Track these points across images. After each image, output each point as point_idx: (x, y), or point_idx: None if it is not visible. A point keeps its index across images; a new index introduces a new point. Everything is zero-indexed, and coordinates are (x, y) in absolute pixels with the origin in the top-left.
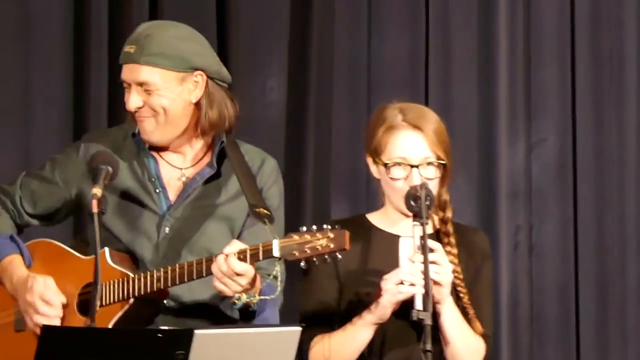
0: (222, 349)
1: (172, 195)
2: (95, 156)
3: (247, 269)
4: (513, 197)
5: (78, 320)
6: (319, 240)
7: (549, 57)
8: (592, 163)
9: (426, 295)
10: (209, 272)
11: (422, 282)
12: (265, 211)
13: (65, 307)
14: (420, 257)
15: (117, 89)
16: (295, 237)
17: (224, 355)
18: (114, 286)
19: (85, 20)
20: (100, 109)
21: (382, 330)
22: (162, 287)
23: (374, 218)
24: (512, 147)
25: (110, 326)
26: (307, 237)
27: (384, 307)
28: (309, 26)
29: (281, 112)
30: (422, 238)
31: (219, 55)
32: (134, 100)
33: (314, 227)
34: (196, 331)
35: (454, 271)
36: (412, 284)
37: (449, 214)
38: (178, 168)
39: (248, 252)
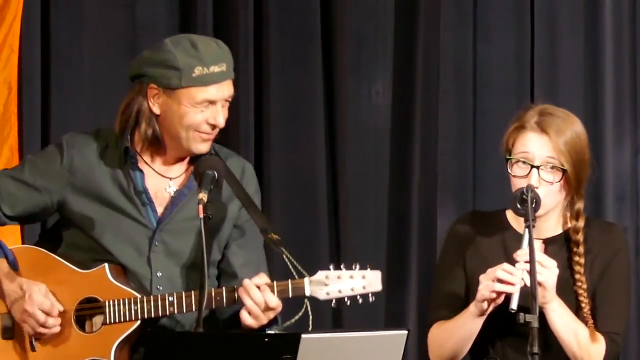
0: (328, 352)
1: (160, 208)
2: (201, 161)
3: (279, 304)
4: (620, 200)
5: (76, 335)
6: (352, 280)
7: None
8: None
9: (533, 299)
10: (230, 303)
11: (519, 282)
12: (276, 236)
13: (61, 318)
14: (524, 257)
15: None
16: (327, 275)
17: (331, 359)
18: (120, 305)
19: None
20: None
21: (506, 328)
22: (174, 312)
23: (511, 216)
24: (618, 149)
25: (114, 347)
26: (339, 276)
27: (479, 302)
28: (414, 30)
29: (387, 115)
30: (529, 240)
31: (324, 61)
32: (223, 117)
33: (342, 266)
34: (303, 335)
35: (578, 280)
36: (508, 283)
37: (580, 223)
38: (167, 177)
39: (275, 287)
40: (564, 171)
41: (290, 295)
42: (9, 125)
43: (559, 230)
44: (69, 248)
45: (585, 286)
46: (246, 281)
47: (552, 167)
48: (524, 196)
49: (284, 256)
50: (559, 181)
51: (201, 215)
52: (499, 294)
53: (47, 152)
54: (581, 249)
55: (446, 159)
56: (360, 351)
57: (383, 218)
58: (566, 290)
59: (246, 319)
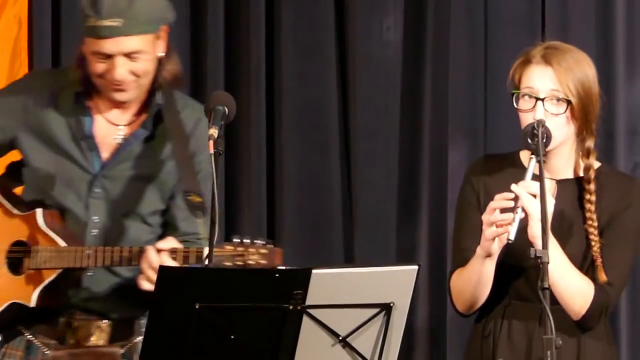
0: (339, 288)
1: (105, 154)
2: (212, 97)
3: None
4: (631, 135)
5: (3, 276)
6: (252, 255)
7: None
8: None
9: (544, 233)
10: (128, 263)
11: (518, 210)
12: (198, 199)
13: None
14: (524, 187)
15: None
16: (228, 247)
17: (342, 294)
18: (44, 252)
19: None
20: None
21: (519, 269)
22: (89, 266)
23: (525, 157)
24: (630, 85)
25: (35, 293)
26: (240, 249)
27: (486, 240)
28: None
29: (398, 51)
30: (540, 175)
31: None
32: (122, 71)
33: (248, 240)
34: (314, 271)
35: (589, 219)
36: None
37: (591, 160)
38: (115, 125)
39: (181, 253)
40: (568, 102)
41: (192, 261)
42: (19, 60)
43: (570, 170)
44: (25, 185)
45: (596, 224)
46: (149, 246)
47: (557, 99)
48: (535, 131)
49: (199, 221)
50: (564, 113)
51: (211, 151)
52: (501, 226)
53: (8, 88)
54: (592, 187)
55: (457, 94)
56: (371, 286)
57: (394, 154)
58: (576, 228)
59: (141, 283)
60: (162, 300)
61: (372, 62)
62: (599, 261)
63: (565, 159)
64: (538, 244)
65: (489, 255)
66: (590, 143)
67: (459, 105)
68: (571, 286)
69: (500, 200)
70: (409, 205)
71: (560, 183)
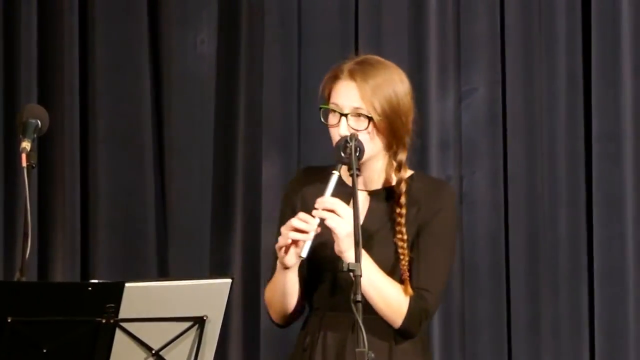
0: (152, 301)
1: None
2: (25, 110)
3: None
4: (443, 148)
5: None
6: None
7: (479, 6)
8: (522, 113)
9: (356, 246)
10: None
11: (314, 229)
12: None
13: None
14: (322, 204)
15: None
16: None
17: (155, 307)
18: None
19: None
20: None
21: (331, 281)
22: None
23: (343, 169)
24: (442, 98)
25: None
26: None
27: (279, 252)
28: None
29: (212, 64)
30: (353, 188)
31: (149, 9)
32: None
33: None
34: (127, 284)
35: (398, 232)
36: (303, 231)
37: (403, 174)
38: None
39: None
40: (370, 119)
41: None
42: None
43: (381, 182)
44: None
45: (405, 237)
46: None
47: (359, 115)
48: (347, 144)
49: None
50: (366, 129)
51: (24, 165)
52: (294, 242)
53: None
54: (403, 200)
55: (271, 109)
56: (184, 299)
57: (208, 168)
58: (386, 242)
59: None
60: None
61: (186, 76)
62: (405, 275)
63: (377, 171)
64: (345, 258)
65: (285, 267)
66: (402, 157)
67: (272, 120)
68: (385, 296)
69: (298, 219)
70: (223, 219)
71: (372, 194)
